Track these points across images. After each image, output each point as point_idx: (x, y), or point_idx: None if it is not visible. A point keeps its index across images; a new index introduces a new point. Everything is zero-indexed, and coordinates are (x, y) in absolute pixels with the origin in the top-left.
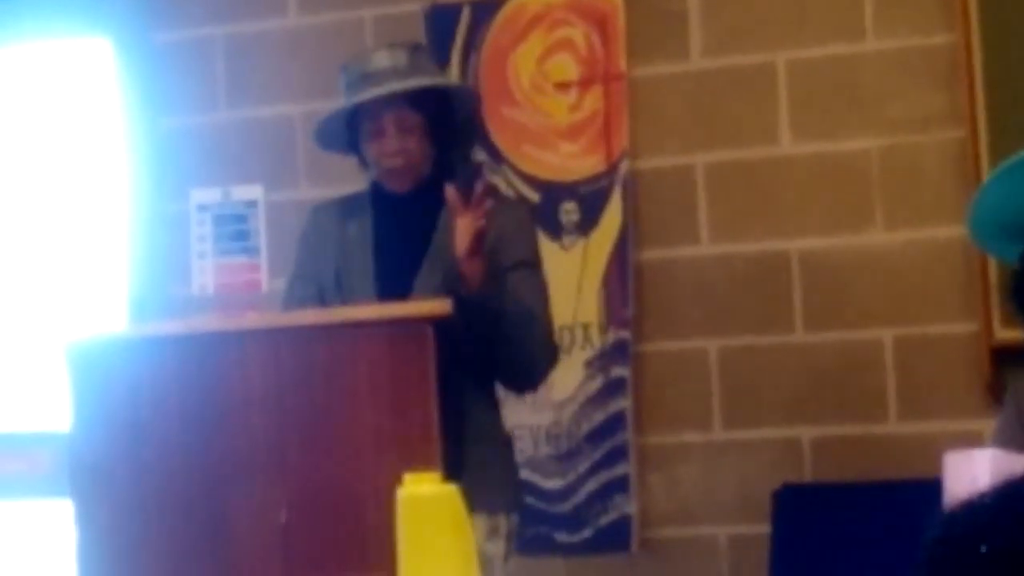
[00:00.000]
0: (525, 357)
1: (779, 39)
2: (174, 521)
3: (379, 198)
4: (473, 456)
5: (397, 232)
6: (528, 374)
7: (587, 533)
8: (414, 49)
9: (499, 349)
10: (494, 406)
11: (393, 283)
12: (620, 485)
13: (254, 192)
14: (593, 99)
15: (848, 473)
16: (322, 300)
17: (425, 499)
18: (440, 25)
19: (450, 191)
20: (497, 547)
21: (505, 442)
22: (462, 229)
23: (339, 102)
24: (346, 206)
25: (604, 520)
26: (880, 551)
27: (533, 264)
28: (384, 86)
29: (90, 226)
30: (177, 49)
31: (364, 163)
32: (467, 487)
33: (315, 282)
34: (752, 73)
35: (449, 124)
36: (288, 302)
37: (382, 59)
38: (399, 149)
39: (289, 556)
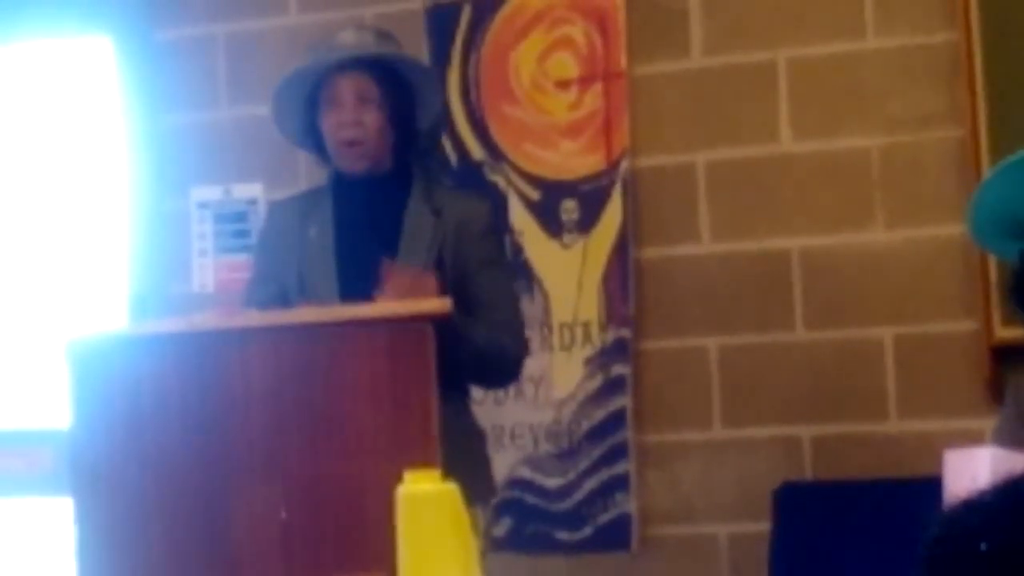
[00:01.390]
0: (495, 364)
1: (780, 37)
2: (174, 519)
3: (339, 191)
4: (442, 448)
5: (360, 230)
6: (502, 376)
7: (587, 531)
8: (381, 32)
9: (468, 362)
10: (461, 397)
11: (361, 280)
12: (620, 483)
13: (255, 190)
14: (593, 97)
15: (848, 471)
16: (285, 301)
17: (425, 497)
18: (441, 23)
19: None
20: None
21: (474, 432)
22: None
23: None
24: (306, 205)
25: (604, 518)
26: (880, 549)
27: (498, 261)
28: (345, 51)
29: (91, 224)
30: (178, 47)
31: (323, 156)
32: None
33: (277, 283)
34: (753, 71)
35: (410, 113)
36: (248, 305)
37: (348, 36)
38: (355, 120)
39: (289, 553)
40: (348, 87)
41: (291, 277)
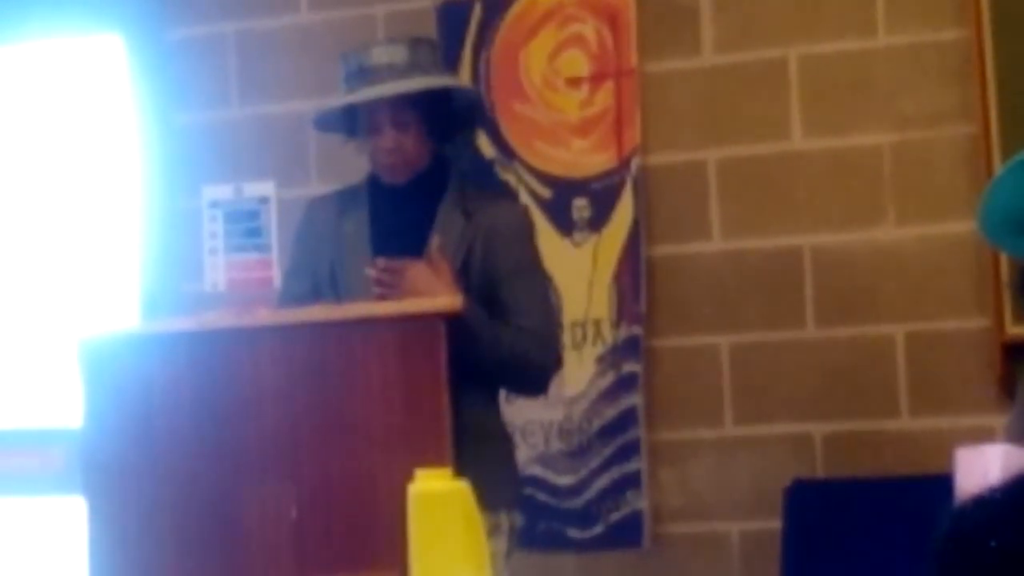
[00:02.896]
0: (518, 372)
1: (791, 34)
2: (186, 517)
3: (376, 190)
4: (471, 453)
5: (394, 227)
6: (526, 385)
7: (599, 529)
8: (415, 44)
9: (488, 365)
10: (492, 402)
11: None
12: (632, 481)
13: (266, 189)
14: (604, 95)
15: (860, 469)
16: (317, 295)
17: (436, 495)
18: (451, 21)
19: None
20: (499, 545)
21: (503, 438)
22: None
23: (340, 91)
24: (343, 201)
25: (616, 516)
26: (892, 547)
27: (530, 268)
28: (379, 87)
29: (102, 223)
30: (189, 45)
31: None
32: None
33: (310, 277)
34: (764, 68)
35: (447, 118)
36: (283, 298)
37: (381, 54)
38: (395, 146)
39: (300, 552)
40: (386, 118)
41: (323, 270)
